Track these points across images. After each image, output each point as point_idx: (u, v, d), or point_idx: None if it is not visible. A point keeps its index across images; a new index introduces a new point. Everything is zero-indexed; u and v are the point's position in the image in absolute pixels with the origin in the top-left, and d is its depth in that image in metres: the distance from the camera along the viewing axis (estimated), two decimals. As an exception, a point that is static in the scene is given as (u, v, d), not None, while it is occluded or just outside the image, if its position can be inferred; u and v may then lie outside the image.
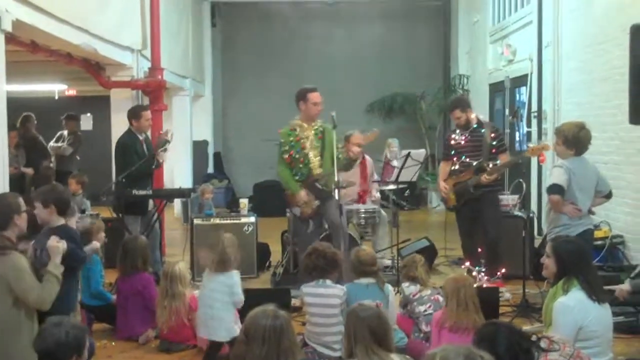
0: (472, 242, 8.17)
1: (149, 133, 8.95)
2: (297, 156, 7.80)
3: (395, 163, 9.54)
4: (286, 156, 7.85)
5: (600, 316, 4.69)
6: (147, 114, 8.74)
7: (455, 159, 8.24)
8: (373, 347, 3.95)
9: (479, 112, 8.55)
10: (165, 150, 8.70)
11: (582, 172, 6.35)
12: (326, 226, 8.00)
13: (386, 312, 4.51)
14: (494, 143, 8.03)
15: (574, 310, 4.63)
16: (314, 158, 7.73)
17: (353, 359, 4.02)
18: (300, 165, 7.80)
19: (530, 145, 8.32)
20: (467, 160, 8.11)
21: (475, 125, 8.18)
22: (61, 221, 5.42)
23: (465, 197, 8.10)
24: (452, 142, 8.31)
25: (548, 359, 3.78)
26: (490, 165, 7.86)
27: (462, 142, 8.19)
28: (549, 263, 5.09)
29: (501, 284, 7.75)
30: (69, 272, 5.23)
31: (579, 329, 4.59)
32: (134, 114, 8.70)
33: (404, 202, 13.60)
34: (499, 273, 7.80)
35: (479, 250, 7.96)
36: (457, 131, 8.31)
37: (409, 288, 6.20)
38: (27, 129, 11.97)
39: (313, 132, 7.80)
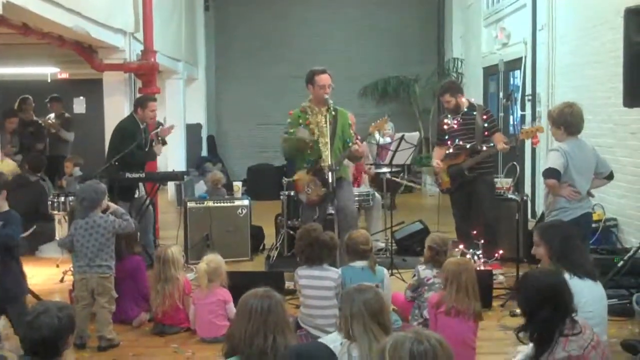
0: (466, 224, 8.19)
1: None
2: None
3: (387, 139, 9.51)
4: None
5: (595, 296, 4.68)
6: (154, 105, 8.74)
7: (449, 142, 8.25)
8: (371, 326, 3.94)
9: (473, 95, 8.55)
10: (160, 138, 8.73)
11: (579, 155, 6.31)
12: (330, 210, 7.73)
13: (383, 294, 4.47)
14: (486, 125, 8.06)
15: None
16: (323, 145, 7.27)
17: (350, 340, 4.01)
18: (309, 151, 7.42)
19: (524, 127, 8.31)
20: (461, 143, 8.12)
21: (466, 109, 8.20)
22: (6, 207, 5.86)
23: (460, 180, 8.12)
24: (445, 126, 8.32)
25: (570, 339, 3.78)
26: (485, 148, 7.88)
27: (455, 126, 8.20)
28: (541, 252, 5.06)
29: (498, 266, 7.77)
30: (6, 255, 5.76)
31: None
32: (141, 103, 8.72)
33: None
34: (496, 255, 7.82)
35: (474, 232, 7.96)
36: (449, 115, 8.31)
37: (424, 271, 6.03)
38: (25, 111, 11.99)
39: (324, 116, 7.32)
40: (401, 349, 2.78)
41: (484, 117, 8.11)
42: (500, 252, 7.76)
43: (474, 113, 8.14)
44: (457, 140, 8.16)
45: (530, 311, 3.92)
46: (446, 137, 8.30)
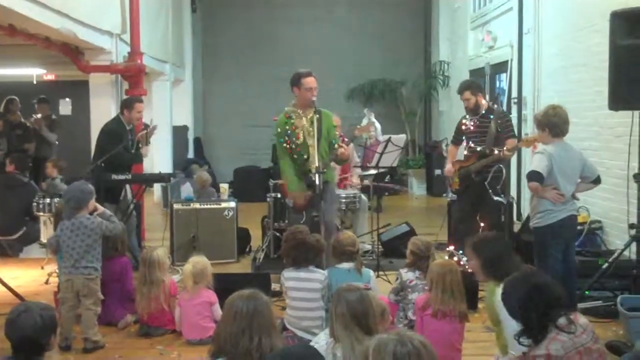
0: (463, 227, 8.17)
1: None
2: (292, 146, 7.34)
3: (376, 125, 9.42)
4: (286, 146, 7.36)
5: None
6: (140, 106, 8.70)
7: (464, 144, 8.25)
8: (352, 328, 3.96)
9: (459, 99, 8.51)
10: (145, 138, 8.71)
11: (564, 157, 6.30)
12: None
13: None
14: (500, 130, 8.00)
15: None
16: (311, 149, 7.17)
17: (335, 340, 4.03)
18: (295, 156, 7.36)
19: (526, 136, 8.31)
20: (473, 145, 8.11)
21: (484, 112, 8.16)
22: None
23: (467, 182, 8.11)
24: (463, 127, 8.32)
25: (557, 338, 3.77)
26: (496, 152, 7.81)
27: (471, 128, 8.20)
28: (474, 266, 5.05)
29: None
30: None
31: None
32: (127, 104, 8.67)
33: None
34: None
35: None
36: (467, 116, 8.30)
37: (407, 274, 5.98)
38: (12, 113, 11.96)
39: (309, 119, 7.26)
40: (384, 351, 2.79)
41: (500, 121, 8.05)
42: None
43: (491, 117, 8.10)
44: (470, 142, 8.17)
45: (522, 318, 3.92)
46: (463, 137, 8.31)
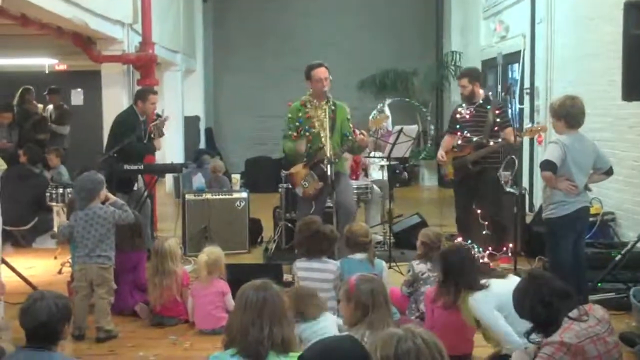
0: (467, 217, 8.16)
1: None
2: (305, 134, 7.44)
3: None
4: (294, 133, 7.47)
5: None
6: (154, 97, 8.73)
7: (459, 133, 8.20)
8: (372, 316, 4.04)
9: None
10: (158, 129, 8.71)
11: (578, 148, 6.25)
12: (329, 204, 7.63)
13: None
14: (498, 120, 7.93)
15: (487, 299, 4.75)
16: (324, 138, 7.23)
17: (357, 327, 4.08)
18: (308, 145, 7.45)
19: (529, 126, 8.27)
20: (468, 135, 8.06)
21: (481, 101, 8.10)
22: None
23: (463, 172, 8.06)
24: (458, 115, 8.26)
25: (571, 327, 3.78)
26: (492, 143, 7.77)
27: (467, 117, 8.13)
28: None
29: (508, 260, 7.74)
30: None
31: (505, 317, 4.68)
32: (141, 95, 8.70)
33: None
34: (504, 249, 7.80)
35: (486, 224, 7.93)
36: (463, 105, 8.24)
37: (419, 266, 6.00)
38: (28, 102, 11.99)
39: (323, 110, 7.33)
40: (389, 347, 2.86)
41: (497, 112, 7.99)
42: (510, 245, 7.67)
43: (488, 107, 8.02)
44: (465, 131, 8.11)
45: (533, 315, 3.94)
46: (457, 126, 8.25)
